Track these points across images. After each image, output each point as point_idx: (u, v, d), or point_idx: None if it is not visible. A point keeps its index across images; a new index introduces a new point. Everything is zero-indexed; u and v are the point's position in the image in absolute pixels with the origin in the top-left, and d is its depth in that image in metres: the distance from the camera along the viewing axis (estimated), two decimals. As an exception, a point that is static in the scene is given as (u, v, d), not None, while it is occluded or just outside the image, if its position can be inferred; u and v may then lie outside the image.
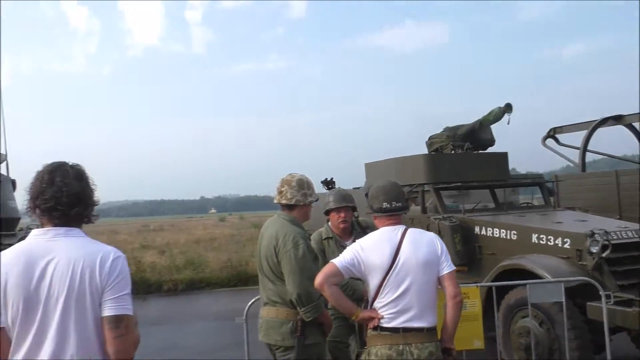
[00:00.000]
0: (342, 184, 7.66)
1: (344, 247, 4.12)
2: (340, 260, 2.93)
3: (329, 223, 4.29)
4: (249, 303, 4.22)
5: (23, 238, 5.66)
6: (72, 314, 1.95)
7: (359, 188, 7.84)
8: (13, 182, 7.50)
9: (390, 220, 3.01)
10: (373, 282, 2.91)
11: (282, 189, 3.49)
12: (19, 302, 1.94)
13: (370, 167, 7.86)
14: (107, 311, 1.97)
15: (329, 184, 9.95)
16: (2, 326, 1.98)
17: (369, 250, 2.91)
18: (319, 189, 6.18)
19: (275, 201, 3.56)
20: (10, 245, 5.30)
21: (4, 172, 7.40)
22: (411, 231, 2.99)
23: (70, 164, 2.14)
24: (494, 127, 7.75)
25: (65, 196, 2.03)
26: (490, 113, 7.43)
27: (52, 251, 1.99)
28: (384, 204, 3.00)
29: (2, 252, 2.06)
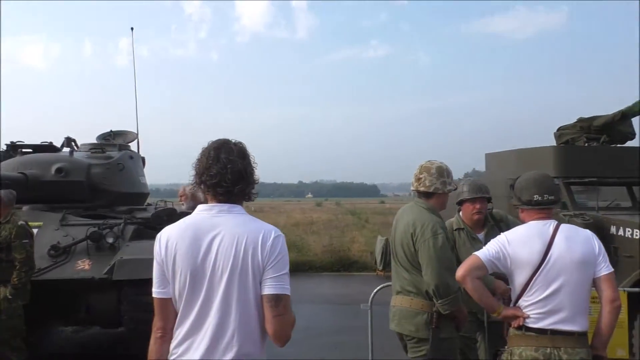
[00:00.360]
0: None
1: (476, 240, 3.97)
2: (484, 253, 2.78)
3: (460, 213, 4.12)
4: (375, 290, 4.18)
5: (158, 212, 6.02)
6: (235, 290, 1.97)
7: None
8: (143, 160, 7.99)
9: (540, 214, 2.82)
10: (519, 279, 2.74)
11: (421, 176, 3.38)
12: (186, 275, 1.99)
13: (491, 158, 7.51)
14: (268, 289, 1.98)
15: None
16: (169, 297, 2.06)
17: (517, 245, 2.74)
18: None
19: (412, 188, 3.46)
20: (142, 219, 5.66)
21: (135, 149, 7.90)
22: (564, 227, 2.78)
23: (234, 141, 2.16)
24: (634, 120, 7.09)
25: (229, 173, 2.05)
26: (635, 104, 6.78)
27: (217, 227, 2.02)
28: (535, 196, 2.80)
29: (170, 226, 2.13)
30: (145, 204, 7.66)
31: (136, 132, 8.09)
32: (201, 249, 2.00)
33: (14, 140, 6.84)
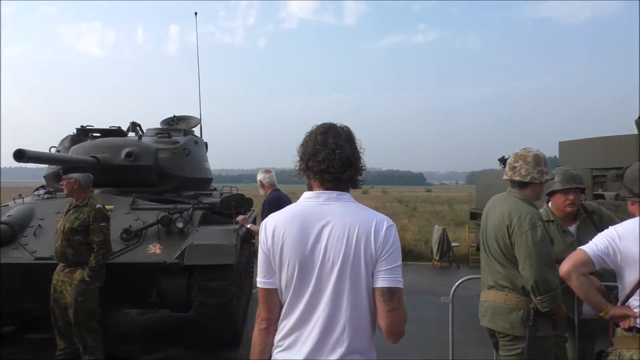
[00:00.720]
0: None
1: (567, 233, 3.73)
2: (592, 248, 2.58)
3: (550, 205, 3.88)
4: (457, 283, 4.01)
5: (225, 197, 6.01)
6: (347, 281, 1.86)
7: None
8: (205, 145, 8.02)
9: None
10: (630, 277, 2.53)
11: (516, 165, 3.18)
12: (294, 265, 1.89)
13: (566, 147, 7.15)
14: (381, 282, 1.87)
15: (505, 161, 9.32)
16: (274, 288, 1.97)
17: (629, 240, 2.53)
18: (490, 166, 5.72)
19: (505, 177, 3.26)
20: (209, 204, 5.65)
21: (198, 134, 7.93)
22: None
23: (339, 125, 2.04)
24: None
25: (338, 158, 1.94)
26: None
27: (327, 215, 1.92)
28: None
29: (275, 213, 2.03)
30: (210, 189, 7.71)
31: (199, 117, 8.12)
32: (310, 238, 1.90)
33: (84, 125, 6.96)
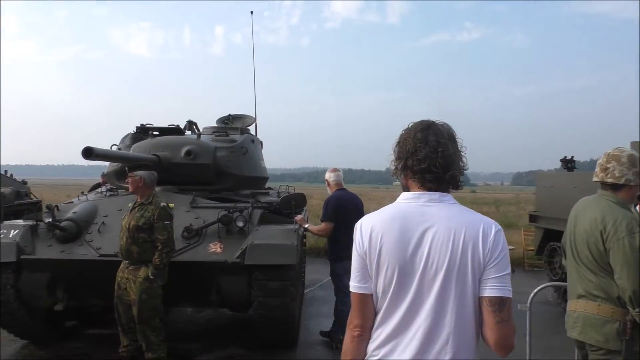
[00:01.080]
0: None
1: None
2: None
3: (638, 208, 3.63)
4: (535, 290, 3.80)
5: (282, 196, 5.98)
6: (452, 289, 1.74)
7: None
8: (261, 143, 8.00)
9: None
10: None
11: (608, 166, 2.96)
12: (393, 270, 1.78)
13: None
14: (490, 291, 1.73)
15: (568, 162, 8.94)
16: (369, 293, 1.86)
17: None
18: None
19: (596, 179, 3.05)
20: (267, 203, 5.60)
21: (253, 133, 7.92)
22: None
23: (439, 122, 1.92)
24: None
25: (440, 157, 1.82)
26: None
27: (429, 217, 1.79)
28: None
29: (371, 215, 1.92)
30: (265, 187, 7.68)
31: (254, 116, 8.11)
32: (411, 241, 1.78)
33: (143, 123, 7.04)
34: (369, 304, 1.86)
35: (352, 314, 1.91)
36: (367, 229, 1.86)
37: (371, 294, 1.86)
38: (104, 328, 6.61)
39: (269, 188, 7.70)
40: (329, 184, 5.84)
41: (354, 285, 1.88)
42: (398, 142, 1.94)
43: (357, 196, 5.99)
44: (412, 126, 1.92)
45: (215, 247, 5.13)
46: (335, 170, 5.85)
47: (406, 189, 1.97)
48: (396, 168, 1.95)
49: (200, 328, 6.80)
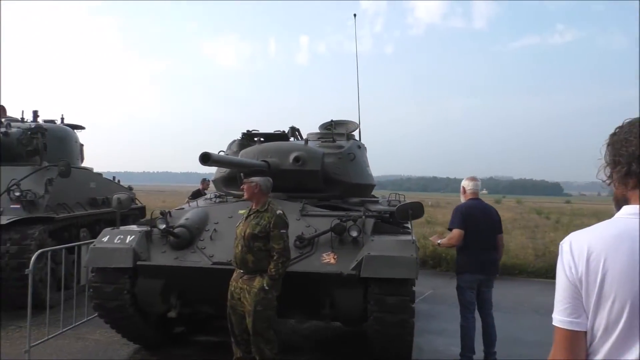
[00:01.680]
0: None
1: None
2: None
3: None
4: None
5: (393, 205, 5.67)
6: None
7: None
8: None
9: None
10: None
11: None
12: (623, 305, 1.40)
13: None
14: None
15: None
16: (583, 330, 1.49)
17: None
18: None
19: None
20: (377, 212, 5.26)
21: (357, 139, 7.65)
22: None
23: None
24: None
25: None
26: None
27: None
28: None
29: (584, 232, 1.56)
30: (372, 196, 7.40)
31: (358, 122, 7.85)
32: None
33: (249, 129, 6.98)
34: (581, 343, 1.50)
35: (556, 352, 1.55)
36: (581, 250, 1.50)
37: (585, 332, 1.49)
38: (211, 335, 6.58)
39: (374, 196, 7.40)
40: (464, 192, 5.66)
41: (562, 320, 1.52)
42: (611, 143, 1.57)
43: (492, 207, 5.69)
44: (626, 124, 1.55)
45: (328, 258, 4.88)
46: (473, 179, 5.58)
47: (623, 201, 1.58)
48: (611, 176, 1.58)
49: (305, 340, 6.59)
